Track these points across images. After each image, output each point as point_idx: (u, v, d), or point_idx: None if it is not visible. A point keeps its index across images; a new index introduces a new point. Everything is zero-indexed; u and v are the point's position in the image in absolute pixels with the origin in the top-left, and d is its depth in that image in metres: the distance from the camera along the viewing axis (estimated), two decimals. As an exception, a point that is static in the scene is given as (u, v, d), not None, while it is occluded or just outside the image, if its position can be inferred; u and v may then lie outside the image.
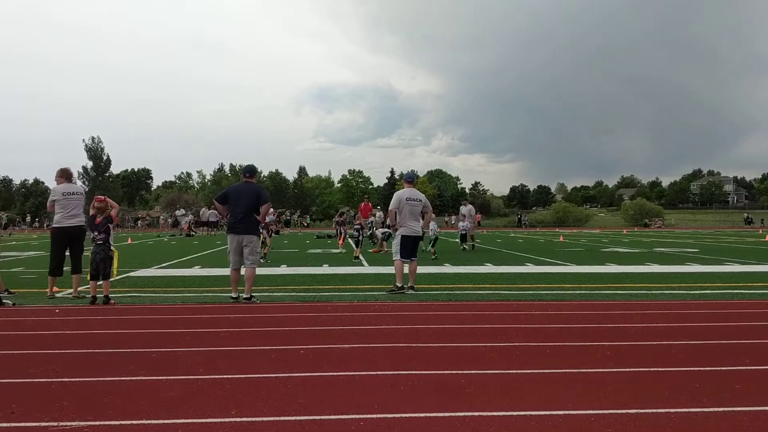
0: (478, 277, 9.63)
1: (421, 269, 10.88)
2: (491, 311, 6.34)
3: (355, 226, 14.28)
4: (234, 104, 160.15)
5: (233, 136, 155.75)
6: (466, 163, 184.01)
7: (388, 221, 22.49)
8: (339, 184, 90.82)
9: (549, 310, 6.39)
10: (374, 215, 20.74)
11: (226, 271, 9.66)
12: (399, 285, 7.71)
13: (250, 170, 7.28)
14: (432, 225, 13.94)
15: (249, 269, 7.04)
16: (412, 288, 7.85)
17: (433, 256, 13.53)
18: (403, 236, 7.83)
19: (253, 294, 7.18)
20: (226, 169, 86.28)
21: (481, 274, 10.26)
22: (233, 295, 7.03)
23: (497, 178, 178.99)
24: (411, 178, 8.19)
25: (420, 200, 7.98)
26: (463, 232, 16.87)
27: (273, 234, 15.95)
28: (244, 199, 6.99)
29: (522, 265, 12.08)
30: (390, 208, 8.03)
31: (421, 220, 8.08)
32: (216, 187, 64.70)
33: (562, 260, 13.40)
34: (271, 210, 30.06)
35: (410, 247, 7.88)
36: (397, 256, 7.87)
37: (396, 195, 8.01)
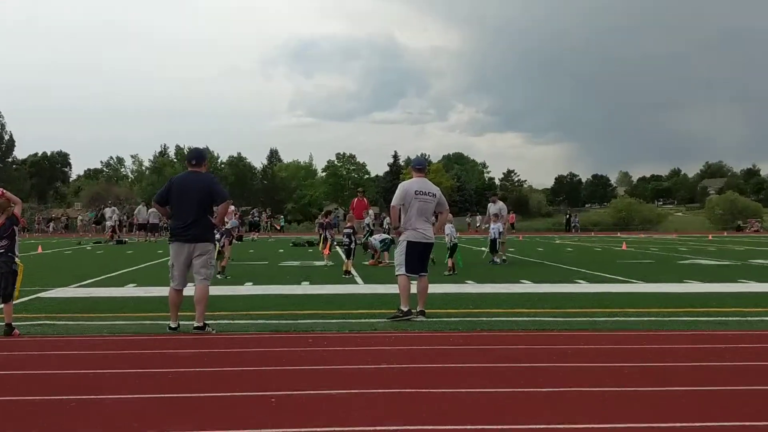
0: (512, 299, 9.65)
1: (434, 288, 10.88)
2: (529, 344, 6.34)
3: (345, 230, 14.28)
4: (182, 66, 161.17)
5: (181, 108, 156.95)
6: (495, 145, 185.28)
7: (386, 223, 22.66)
8: (323, 174, 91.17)
9: (606, 343, 6.39)
10: (369, 215, 20.80)
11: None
12: (405, 309, 7.71)
13: (197, 156, 7.26)
14: (449, 228, 13.96)
15: (201, 288, 7.03)
16: (422, 313, 7.86)
17: (450, 272, 13.56)
18: (409, 243, 7.84)
19: (207, 322, 7.14)
20: (171, 152, 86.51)
21: (516, 294, 10.29)
22: (172, 324, 7.02)
23: (537, 165, 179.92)
24: (421, 166, 8.22)
25: (433, 195, 8.00)
26: (493, 238, 16.88)
27: (234, 241, 15.96)
28: (192, 196, 6.97)
29: (571, 283, 12.11)
30: (393, 204, 8.03)
31: (433, 222, 8.10)
32: (157, 178, 64.82)
33: (626, 276, 13.44)
34: (232, 209, 30.36)
35: (419, 259, 7.90)
36: (401, 270, 7.87)
37: (402, 187, 8.03)
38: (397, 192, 7.99)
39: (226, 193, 7.18)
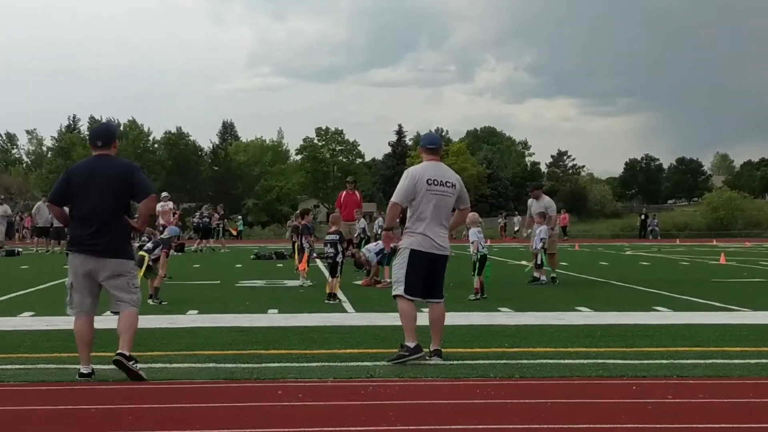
0: (564, 334, 9.66)
1: (455, 317, 10.87)
2: (590, 398, 6.35)
3: (329, 237, 14.27)
4: (96, 4, 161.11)
5: (95, 66, 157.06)
6: (541, 117, 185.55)
7: (377, 226, 22.60)
8: (298, 156, 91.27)
9: (700, 395, 6.39)
10: (360, 214, 20.81)
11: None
12: (411, 345, 7.71)
13: (104, 134, 7.29)
14: (474, 234, 13.97)
15: (127, 314, 7.07)
16: (437, 354, 7.87)
17: (477, 295, 13.57)
18: (413, 253, 7.84)
19: (136, 358, 7.19)
20: (83, 125, 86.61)
21: (570, 327, 10.30)
22: (83, 369, 7.01)
23: (600, 144, 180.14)
24: (434, 145, 8.21)
25: (452, 185, 8.00)
26: (537, 248, 16.90)
27: (173, 253, 15.99)
28: (101, 189, 6.97)
29: (648, 311, 12.15)
30: (394, 199, 8.01)
31: (447, 224, 8.06)
32: (64, 163, 64.82)
33: (724, 301, 13.47)
34: (170, 206, 30.34)
35: (428, 277, 7.92)
36: (399, 289, 7.90)
37: (409, 174, 8.02)
38: (402, 182, 7.97)
39: (151, 185, 7.21)
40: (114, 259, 7.00)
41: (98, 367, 7.40)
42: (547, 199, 17.75)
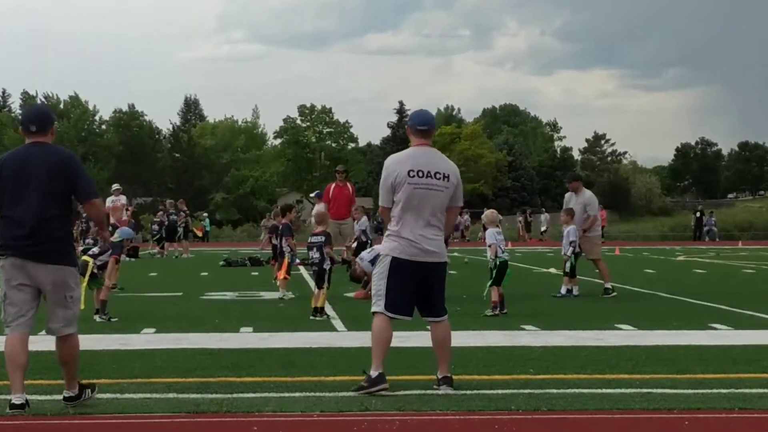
0: (601, 358, 9.68)
1: (468, 337, 10.87)
2: (633, 436, 6.33)
3: (314, 239, 14.28)
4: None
5: (30, 29, 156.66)
6: (573, 92, 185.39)
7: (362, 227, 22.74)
8: (277, 141, 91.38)
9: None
10: (362, 211, 20.82)
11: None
12: (373, 374, 7.71)
13: (39, 118, 7.37)
14: (493, 236, 13.96)
15: (66, 342, 7.13)
16: (445, 382, 7.89)
17: (494, 310, 13.57)
18: (395, 261, 7.83)
19: (83, 382, 7.26)
20: (14, 102, 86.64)
21: (608, 349, 10.32)
22: (15, 399, 6.97)
23: (644, 126, 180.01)
24: (425, 125, 8.13)
25: (444, 176, 7.96)
26: (567, 254, 16.91)
27: (124, 259, 16.00)
28: (38, 182, 7.04)
29: (703, 329, 12.19)
30: (380, 203, 8.05)
31: (441, 225, 8.00)
32: (-9, 147, 64.88)
33: (797, 317, 13.46)
34: (122, 201, 30.17)
35: (419, 290, 7.91)
36: (379, 305, 7.89)
37: (386, 165, 8.00)
38: (384, 174, 7.96)
39: (93, 187, 7.28)
40: (53, 265, 7.03)
41: (33, 397, 7.37)
42: (588, 194, 17.70)
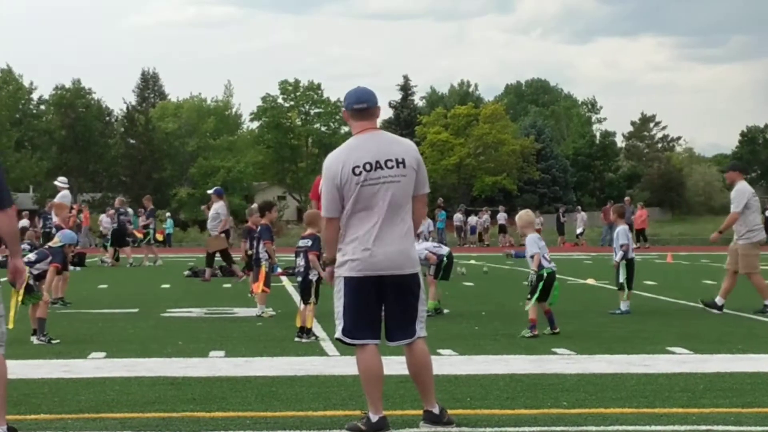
0: (650, 388, 9.70)
1: (486, 363, 10.88)
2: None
3: (301, 243, 14.30)
4: None
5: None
6: (616, 65, 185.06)
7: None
8: (255, 124, 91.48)
9: None
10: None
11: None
12: (373, 419, 7.72)
13: None
14: (534, 241, 13.93)
15: None
16: (428, 418, 7.92)
17: (531, 332, 13.57)
18: (348, 283, 7.82)
19: (12, 425, 7.33)
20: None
21: (659, 377, 10.34)
22: None
23: (702, 106, 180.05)
24: (362, 103, 7.97)
25: (399, 162, 7.86)
26: (616, 260, 16.95)
27: (71, 268, 16.01)
28: None
29: (775, 353, 12.18)
30: (323, 213, 7.94)
31: (406, 225, 7.97)
32: None
33: None
34: (69, 199, 30.10)
35: (378, 309, 7.93)
36: (337, 332, 7.94)
37: (329, 163, 7.90)
38: (322, 182, 7.92)
39: (9, 192, 7.31)
40: None
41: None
42: (738, 186, 17.67)
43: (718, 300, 17.11)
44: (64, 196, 27.49)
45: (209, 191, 28.78)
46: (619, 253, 16.93)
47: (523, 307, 14.30)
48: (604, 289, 22.57)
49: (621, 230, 17.09)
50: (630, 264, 16.96)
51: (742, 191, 17.47)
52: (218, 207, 26.53)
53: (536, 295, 13.80)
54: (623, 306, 16.85)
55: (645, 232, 52.17)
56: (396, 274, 7.75)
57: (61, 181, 28.58)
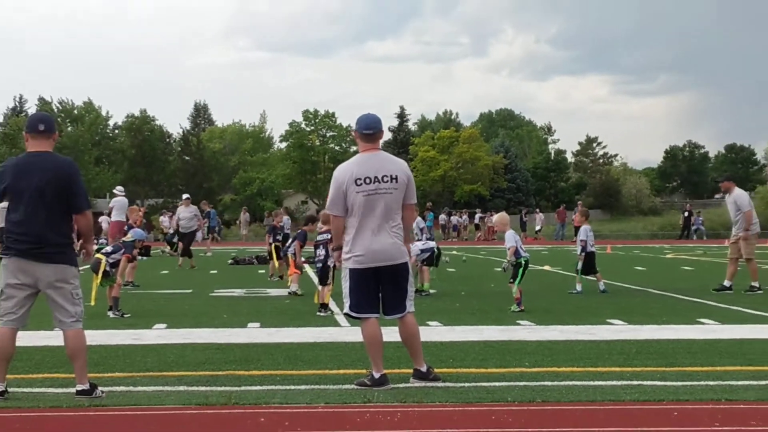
0: (594, 351, 9.71)
1: (464, 333, 10.86)
2: (625, 425, 6.37)
3: (319, 237, 14.26)
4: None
5: (46, 38, 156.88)
6: (568, 97, 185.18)
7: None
8: (283, 144, 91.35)
9: (753, 423, 6.42)
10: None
11: (39, 338, 9.75)
12: (376, 376, 7.77)
13: (48, 120, 7.52)
14: (511, 236, 13.90)
15: (73, 335, 7.24)
16: (417, 375, 7.94)
17: (519, 307, 13.53)
18: (353, 273, 7.88)
19: (93, 382, 7.33)
20: (30, 108, 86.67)
21: (601, 343, 10.35)
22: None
23: (635, 129, 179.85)
24: (371, 130, 8.02)
25: (393, 178, 7.89)
26: (579, 252, 17.07)
27: (136, 258, 16.00)
28: (39, 188, 7.19)
29: (692, 324, 12.19)
30: (330, 211, 8.00)
31: (396, 225, 7.97)
32: (9, 151, 64.92)
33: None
34: (120, 201, 30.13)
35: (381, 291, 7.95)
36: (346, 307, 8.02)
37: (337, 175, 7.92)
38: (331, 189, 7.96)
39: (85, 199, 7.39)
40: (53, 264, 7.18)
41: (48, 390, 7.49)
42: (736, 192, 17.33)
43: (726, 282, 16.98)
44: (120, 200, 27.46)
45: (185, 196, 28.66)
46: (579, 247, 16.96)
47: (494, 289, 14.31)
48: (557, 274, 22.59)
49: (582, 229, 17.16)
50: (590, 256, 16.97)
51: (744, 195, 17.49)
52: (193, 210, 26.98)
53: (519, 279, 13.85)
54: (578, 287, 16.81)
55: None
56: (390, 265, 7.86)
57: (118, 190, 28.48)
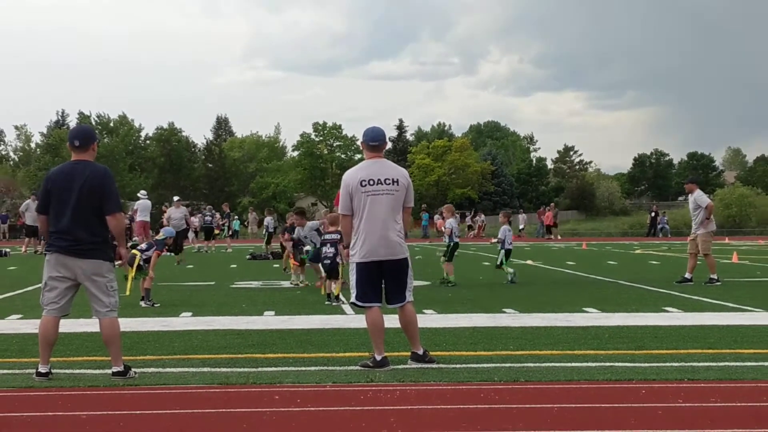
0: (571, 336, 9.69)
1: (456, 320, 10.85)
2: (598, 402, 6.37)
3: (327, 237, 14.22)
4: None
5: (86, 59, 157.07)
6: (547, 110, 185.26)
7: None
8: (295, 153, 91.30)
9: (713, 400, 6.41)
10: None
11: (80, 325, 9.75)
12: (378, 358, 7.77)
13: (81, 135, 7.54)
14: (451, 222, 14.55)
15: (108, 323, 7.28)
16: (414, 357, 7.94)
17: (509, 277, 13.80)
18: (359, 267, 7.86)
19: (127, 364, 7.37)
20: (72, 121, 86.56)
21: (578, 329, 10.33)
22: (42, 368, 7.24)
23: (607, 139, 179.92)
24: (376, 141, 8.04)
25: (394, 181, 7.91)
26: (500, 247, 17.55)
27: (168, 253, 16.01)
28: (77, 195, 7.24)
29: (658, 312, 12.18)
30: (339, 211, 8.09)
31: (398, 224, 7.96)
32: (52, 161, 64.84)
33: (738, 301, 13.48)
34: (144, 203, 29.97)
35: (379, 282, 7.95)
36: (353, 297, 8.01)
37: (345, 177, 7.96)
38: (342, 187, 7.98)
39: (117, 202, 7.39)
40: (90, 259, 7.24)
41: (87, 371, 7.49)
42: (696, 193, 17.18)
43: (688, 275, 16.93)
44: (143, 203, 27.44)
45: (175, 198, 28.56)
46: (499, 245, 17.68)
47: (482, 281, 14.30)
48: (539, 268, 22.54)
49: (502, 229, 17.90)
50: (508, 253, 17.37)
51: (703, 195, 17.32)
52: (183, 210, 26.95)
53: (448, 257, 16.33)
54: (509, 276, 17.26)
55: (551, 228, 52.69)
56: (392, 259, 7.85)
57: (142, 194, 28.52)
